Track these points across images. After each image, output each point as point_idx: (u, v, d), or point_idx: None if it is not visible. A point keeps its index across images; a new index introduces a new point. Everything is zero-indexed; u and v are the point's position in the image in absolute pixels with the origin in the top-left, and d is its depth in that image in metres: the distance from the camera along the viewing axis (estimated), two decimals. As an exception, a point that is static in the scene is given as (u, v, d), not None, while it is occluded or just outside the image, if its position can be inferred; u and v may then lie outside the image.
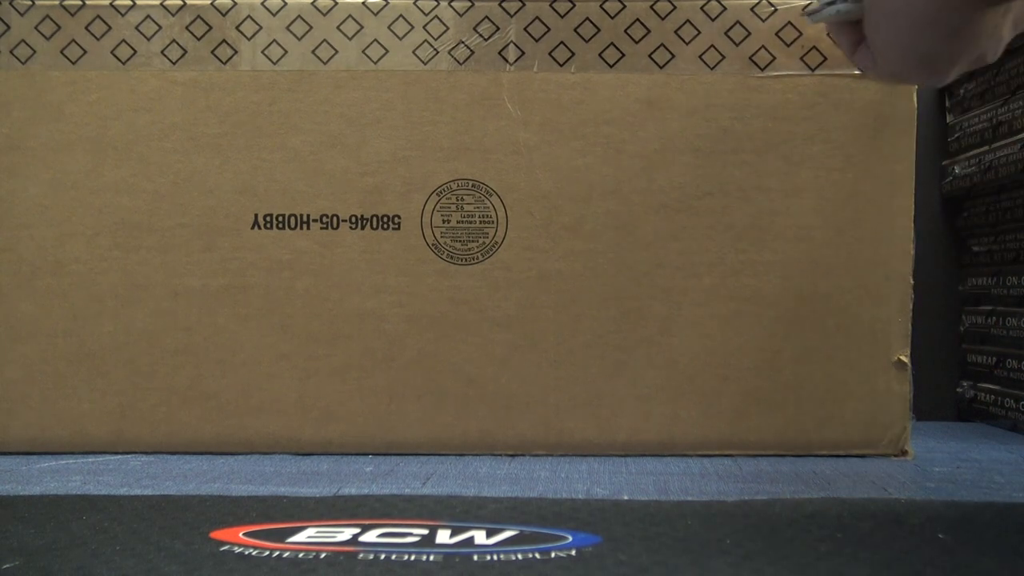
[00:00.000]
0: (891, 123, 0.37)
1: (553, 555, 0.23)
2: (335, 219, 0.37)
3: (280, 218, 0.37)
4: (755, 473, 0.34)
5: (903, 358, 0.37)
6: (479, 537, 0.25)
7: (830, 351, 0.37)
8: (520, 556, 0.23)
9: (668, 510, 0.28)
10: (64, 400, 0.38)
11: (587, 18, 0.37)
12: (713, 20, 0.37)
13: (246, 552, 0.23)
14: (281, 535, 0.25)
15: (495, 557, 0.23)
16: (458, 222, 0.37)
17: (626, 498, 0.30)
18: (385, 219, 0.37)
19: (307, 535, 0.25)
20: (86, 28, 0.37)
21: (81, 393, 0.38)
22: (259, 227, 0.37)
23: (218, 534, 0.25)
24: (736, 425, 0.37)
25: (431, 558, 0.23)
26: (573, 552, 0.24)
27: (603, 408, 0.37)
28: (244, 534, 0.25)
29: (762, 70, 0.37)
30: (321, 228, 0.37)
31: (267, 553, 0.23)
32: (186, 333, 0.37)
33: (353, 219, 0.37)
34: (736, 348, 0.37)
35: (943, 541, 0.25)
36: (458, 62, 0.37)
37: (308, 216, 0.37)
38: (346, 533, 0.25)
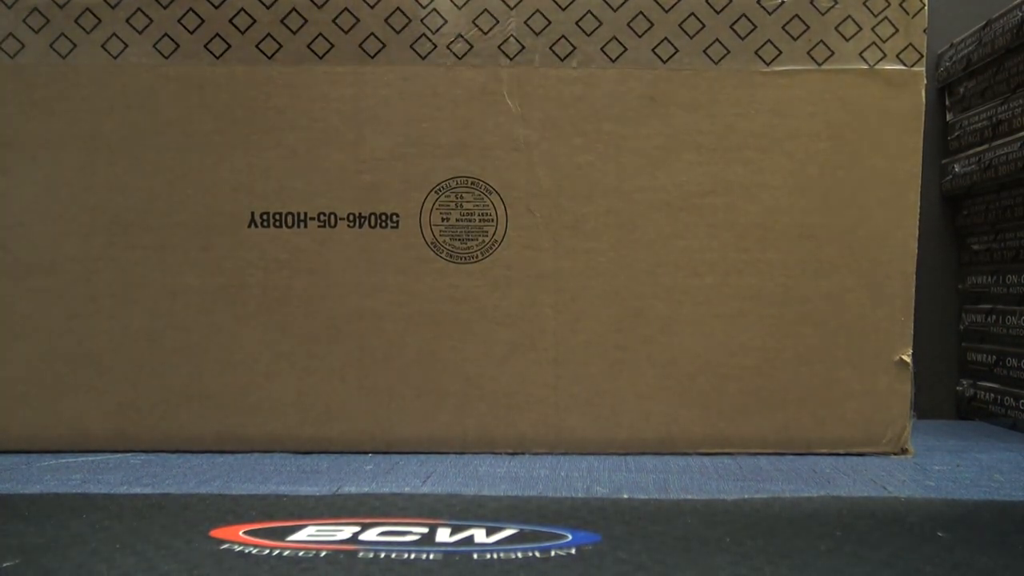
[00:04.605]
0: (897, 120, 0.37)
1: (553, 553, 0.23)
2: (333, 217, 0.37)
3: (277, 216, 0.37)
4: (755, 471, 0.34)
5: (905, 358, 0.37)
6: (479, 535, 0.25)
7: (832, 350, 0.37)
8: (520, 555, 0.23)
9: (668, 508, 0.28)
10: (64, 399, 0.37)
11: (589, 11, 0.37)
12: (718, 13, 0.37)
13: (246, 550, 0.23)
14: (281, 533, 0.25)
15: (495, 555, 0.23)
16: (457, 220, 0.37)
17: (626, 496, 0.30)
18: (383, 217, 0.37)
19: (307, 533, 0.25)
20: (75, 21, 0.37)
21: (81, 392, 0.37)
22: (256, 225, 0.37)
23: (218, 532, 0.25)
24: (736, 423, 0.37)
25: (431, 556, 0.23)
26: (573, 550, 0.23)
27: (603, 406, 0.37)
28: (244, 532, 0.25)
29: (768, 65, 0.37)
30: (319, 226, 0.37)
31: (267, 551, 0.23)
32: (184, 332, 0.37)
33: (351, 217, 0.37)
34: (737, 347, 0.37)
35: (943, 539, 0.25)
36: (457, 57, 0.37)
37: (305, 214, 0.37)
38: (346, 531, 0.25)
